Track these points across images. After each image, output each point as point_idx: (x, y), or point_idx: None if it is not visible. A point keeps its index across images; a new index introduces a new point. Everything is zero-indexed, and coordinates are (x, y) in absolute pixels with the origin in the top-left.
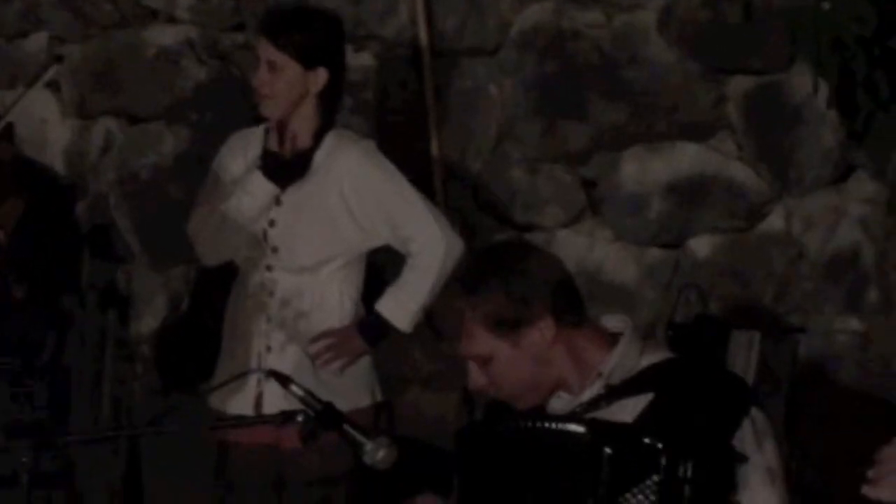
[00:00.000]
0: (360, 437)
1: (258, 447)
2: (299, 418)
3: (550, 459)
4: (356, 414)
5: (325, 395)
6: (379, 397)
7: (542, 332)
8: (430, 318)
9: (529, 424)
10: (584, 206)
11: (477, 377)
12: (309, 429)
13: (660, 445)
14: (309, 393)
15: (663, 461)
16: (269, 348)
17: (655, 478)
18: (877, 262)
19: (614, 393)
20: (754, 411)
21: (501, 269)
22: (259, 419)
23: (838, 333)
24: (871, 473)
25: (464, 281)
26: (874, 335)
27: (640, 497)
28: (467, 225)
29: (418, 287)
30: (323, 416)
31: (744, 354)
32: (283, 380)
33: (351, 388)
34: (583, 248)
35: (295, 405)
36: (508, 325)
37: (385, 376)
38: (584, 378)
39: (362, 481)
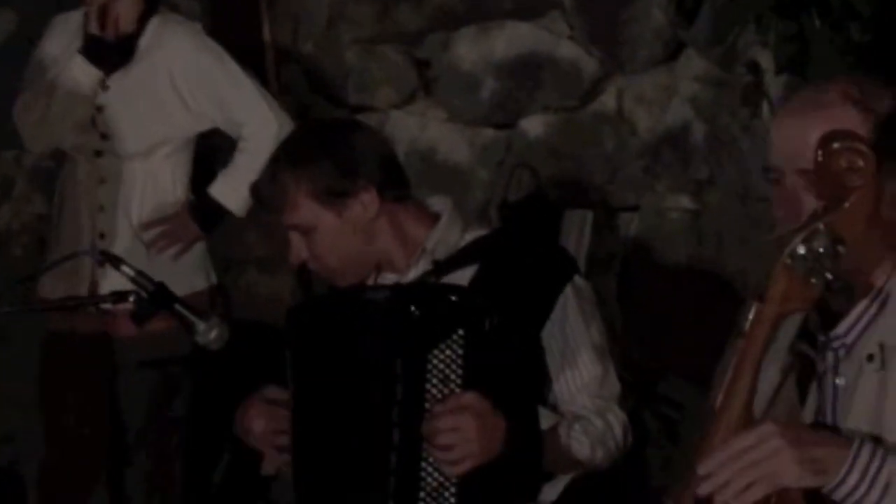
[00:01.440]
0: (191, 317)
1: (91, 336)
2: (131, 298)
3: (362, 328)
4: (191, 297)
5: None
6: (213, 280)
7: (365, 204)
8: (259, 193)
9: (345, 296)
10: (416, 87)
11: (299, 250)
12: (141, 309)
13: (453, 298)
14: (140, 273)
15: (468, 316)
16: (101, 235)
17: (461, 332)
18: (707, 140)
19: (441, 268)
20: (577, 279)
21: (327, 140)
22: (90, 300)
23: (670, 211)
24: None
25: (289, 151)
26: (705, 212)
27: (448, 352)
28: (301, 107)
29: (250, 170)
30: (154, 297)
31: (576, 233)
32: (115, 260)
33: (185, 273)
34: (416, 128)
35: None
36: (333, 195)
37: (220, 259)
38: (409, 255)
39: (200, 365)
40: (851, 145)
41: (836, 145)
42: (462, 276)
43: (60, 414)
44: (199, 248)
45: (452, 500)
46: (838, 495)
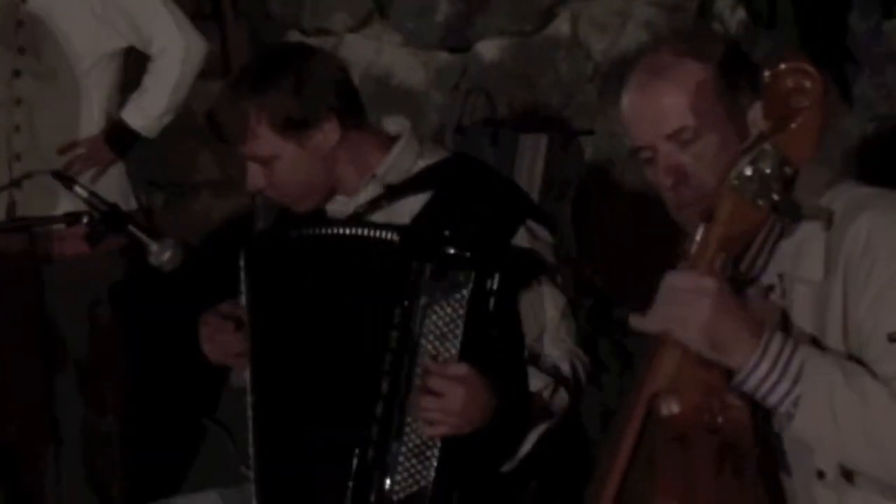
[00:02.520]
0: (145, 238)
1: (14, 256)
2: (84, 220)
3: (353, 268)
4: None
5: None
6: (133, 204)
7: (326, 133)
8: (216, 123)
9: (331, 231)
10: (371, 11)
11: (256, 178)
12: (95, 230)
13: (467, 255)
14: (93, 194)
15: (473, 275)
16: (17, 157)
17: (465, 292)
18: None
19: (393, 192)
20: (531, 223)
21: (287, 69)
22: (43, 220)
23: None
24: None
25: (248, 80)
26: None
27: (449, 310)
28: (255, 32)
29: (159, 92)
30: (108, 218)
31: (531, 158)
32: (67, 181)
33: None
34: (371, 52)
35: (41, 211)
36: (295, 126)
37: (174, 182)
38: (361, 179)
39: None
40: (798, 66)
41: (782, 66)
42: (413, 203)
43: None
44: (117, 171)
45: (434, 460)
46: (749, 385)
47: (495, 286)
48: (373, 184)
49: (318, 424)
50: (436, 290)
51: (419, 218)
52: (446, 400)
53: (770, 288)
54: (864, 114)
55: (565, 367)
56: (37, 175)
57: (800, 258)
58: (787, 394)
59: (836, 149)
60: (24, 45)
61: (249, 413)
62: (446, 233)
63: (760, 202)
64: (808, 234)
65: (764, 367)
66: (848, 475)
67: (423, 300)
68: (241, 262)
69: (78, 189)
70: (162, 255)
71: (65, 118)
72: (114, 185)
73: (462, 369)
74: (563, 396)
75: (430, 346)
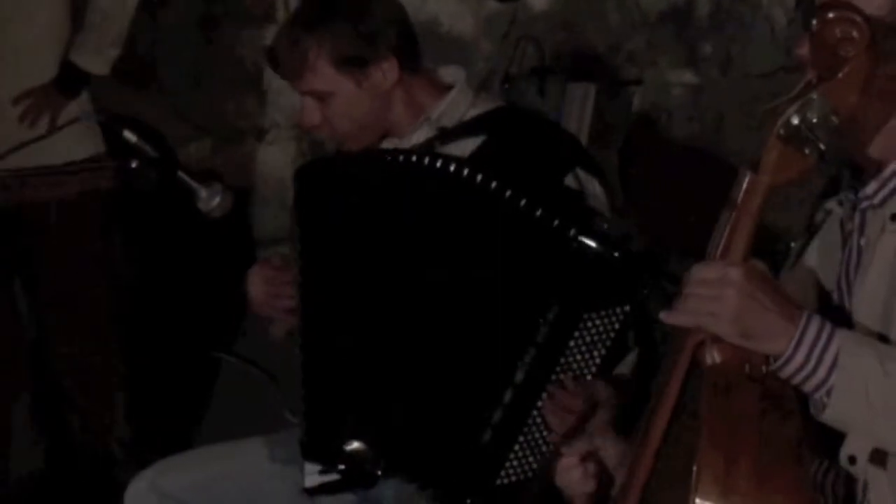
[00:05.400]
0: (194, 184)
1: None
2: (133, 165)
3: (435, 205)
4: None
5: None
6: (101, 148)
7: (385, 72)
8: (275, 59)
9: (416, 159)
10: None
11: (311, 115)
12: (144, 176)
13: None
14: (143, 139)
15: (636, 290)
16: None
17: (627, 308)
18: (711, 15)
19: (446, 135)
20: (580, 171)
21: (348, 6)
22: (91, 164)
23: (673, 86)
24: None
25: (309, 16)
26: (708, 88)
27: (605, 321)
28: None
29: (105, 27)
30: (157, 163)
31: (579, 107)
32: (116, 126)
33: (64, 141)
34: None
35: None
36: (354, 63)
37: (220, 128)
38: (414, 122)
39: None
40: (846, 15)
41: (830, 15)
42: (465, 148)
43: None
44: (83, 113)
45: (542, 458)
46: (785, 373)
47: (646, 297)
48: (426, 126)
49: (412, 385)
50: (601, 299)
51: (473, 154)
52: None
53: (893, 217)
54: None
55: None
56: (83, 120)
57: None
58: (823, 383)
59: None
60: None
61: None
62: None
63: (807, 151)
64: None
65: (800, 356)
66: (880, 459)
67: (587, 304)
68: (293, 201)
69: (127, 134)
70: (211, 200)
71: (20, 64)
72: (75, 131)
73: (600, 390)
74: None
75: (574, 352)
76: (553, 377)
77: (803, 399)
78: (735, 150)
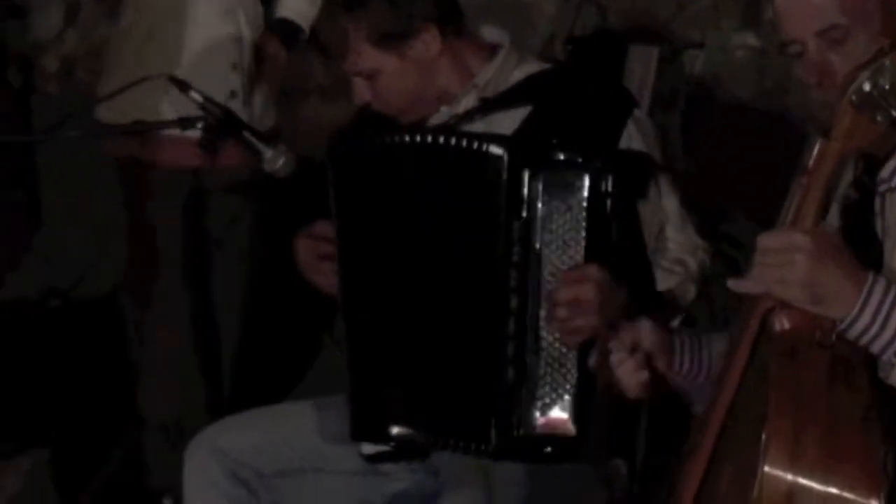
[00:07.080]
0: (259, 145)
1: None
2: (199, 125)
3: (456, 181)
4: None
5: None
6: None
7: (426, 43)
8: (319, 41)
9: (423, 139)
10: None
11: (362, 92)
12: (209, 136)
13: (580, 160)
14: (208, 99)
15: (587, 178)
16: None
17: (581, 196)
18: None
19: (490, 105)
20: (637, 112)
21: None
22: (157, 125)
23: (736, 49)
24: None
25: None
26: (771, 51)
27: (568, 216)
28: None
29: None
30: (223, 123)
31: (641, 69)
32: (182, 85)
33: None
34: None
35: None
36: (394, 38)
37: (283, 88)
38: (462, 87)
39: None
40: None
41: None
42: (514, 112)
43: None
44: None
45: (574, 370)
46: (852, 334)
47: (610, 187)
48: (473, 93)
49: (435, 351)
50: (552, 198)
51: (522, 125)
52: (581, 304)
53: None
54: None
55: (691, 262)
56: (152, 79)
57: None
58: (890, 343)
59: None
60: None
61: (343, 339)
62: (553, 140)
63: (879, 118)
64: None
65: (866, 316)
66: None
67: (541, 211)
68: (329, 175)
69: (193, 94)
70: (276, 161)
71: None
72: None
73: (589, 269)
74: (691, 290)
75: (553, 257)
76: (548, 285)
77: (872, 366)
78: (797, 114)
